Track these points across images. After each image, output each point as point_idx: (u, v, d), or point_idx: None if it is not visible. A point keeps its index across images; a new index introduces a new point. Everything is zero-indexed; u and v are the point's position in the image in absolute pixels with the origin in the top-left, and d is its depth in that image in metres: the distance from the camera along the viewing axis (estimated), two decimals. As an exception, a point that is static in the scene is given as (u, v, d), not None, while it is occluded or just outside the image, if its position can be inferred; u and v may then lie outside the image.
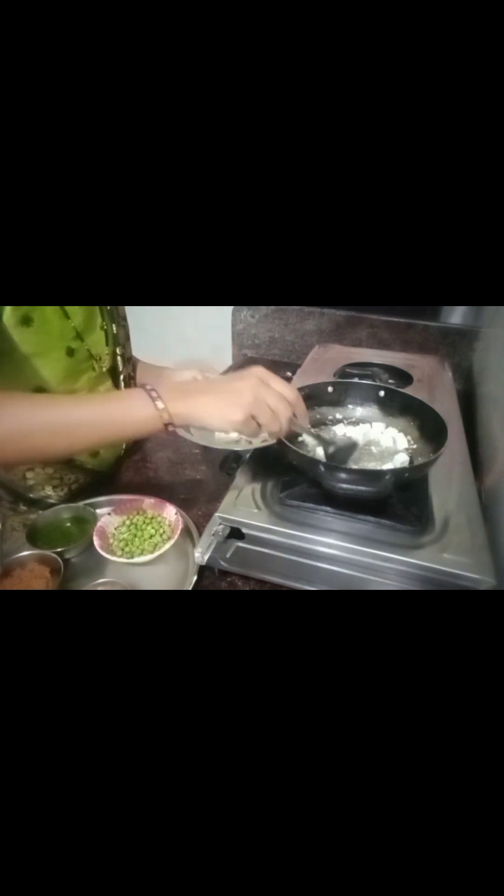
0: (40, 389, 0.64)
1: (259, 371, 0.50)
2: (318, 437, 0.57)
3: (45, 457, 0.64)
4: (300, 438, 0.61)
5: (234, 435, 0.71)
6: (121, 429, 0.51)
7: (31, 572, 0.56)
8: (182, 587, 0.56)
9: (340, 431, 0.66)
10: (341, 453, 0.58)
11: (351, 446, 0.60)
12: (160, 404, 0.48)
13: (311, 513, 0.54)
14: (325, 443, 0.57)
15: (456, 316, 1.11)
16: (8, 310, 0.55)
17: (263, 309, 1.24)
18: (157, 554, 0.57)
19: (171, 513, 0.64)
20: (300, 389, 0.68)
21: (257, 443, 0.67)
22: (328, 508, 0.54)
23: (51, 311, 0.60)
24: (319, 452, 0.59)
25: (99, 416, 0.51)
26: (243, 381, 0.49)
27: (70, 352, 0.64)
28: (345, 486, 0.49)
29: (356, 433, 0.65)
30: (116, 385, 0.74)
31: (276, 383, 0.50)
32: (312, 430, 0.57)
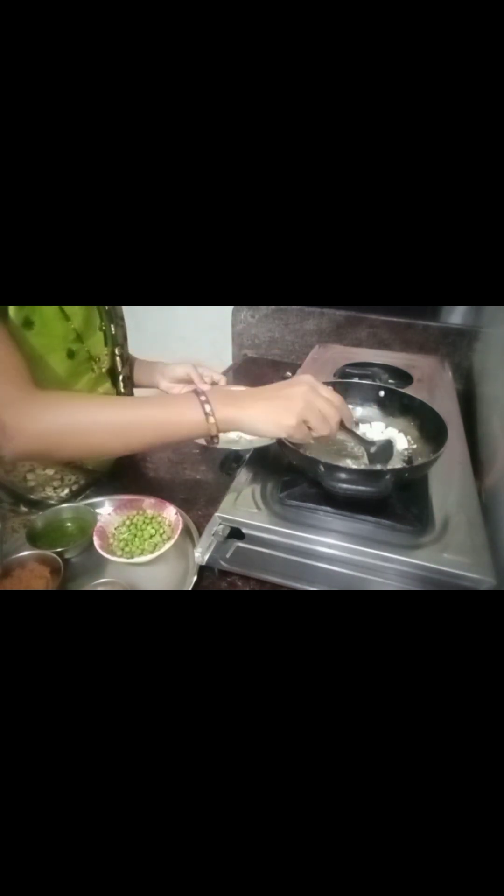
0: None
1: (308, 378, 0.52)
2: (360, 439, 0.59)
3: (101, 454, 0.67)
4: (340, 437, 0.63)
5: (233, 435, 0.71)
6: (173, 431, 0.53)
7: (31, 572, 0.56)
8: (182, 587, 0.56)
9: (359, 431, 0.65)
10: (383, 452, 0.59)
11: (389, 445, 0.61)
12: (209, 408, 0.50)
13: (311, 513, 0.54)
14: (366, 443, 0.59)
15: (456, 316, 1.11)
16: (11, 312, 0.55)
17: (263, 309, 1.24)
18: (157, 554, 0.57)
19: (171, 513, 0.64)
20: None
21: (257, 443, 0.67)
22: (328, 508, 0.54)
23: (51, 314, 0.60)
24: (357, 452, 0.60)
25: (154, 418, 0.53)
26: (294, 387, 0.51)
27: (70, 354, 0.63)
28: (345, 486, 0.49)
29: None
30: (115, 386, 0.74)
31: (324, 390, 0.52)
32: (357, 432, 0.59)
